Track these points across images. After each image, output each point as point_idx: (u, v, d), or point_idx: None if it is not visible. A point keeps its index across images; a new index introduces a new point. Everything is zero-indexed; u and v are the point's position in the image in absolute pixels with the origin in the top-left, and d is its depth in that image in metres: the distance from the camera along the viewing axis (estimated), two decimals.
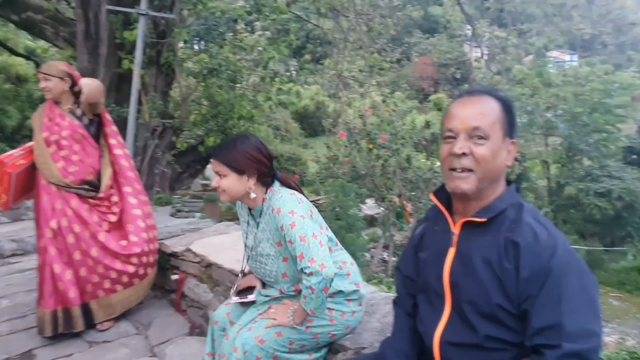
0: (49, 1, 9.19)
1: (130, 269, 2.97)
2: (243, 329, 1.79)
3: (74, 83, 2.99)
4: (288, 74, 28.02)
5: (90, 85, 2.86)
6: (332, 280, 1.71)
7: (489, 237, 1.21)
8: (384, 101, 8.14)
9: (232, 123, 8.13)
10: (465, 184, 1.21)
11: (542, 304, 1.09)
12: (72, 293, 2.79)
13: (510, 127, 1.25)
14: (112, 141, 3.13)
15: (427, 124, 21.37)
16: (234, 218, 9.05)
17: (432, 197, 1.38)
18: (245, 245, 2.04)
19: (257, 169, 1.87)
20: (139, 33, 7.19)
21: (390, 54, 11.11)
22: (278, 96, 8.32)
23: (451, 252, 1.27)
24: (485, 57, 16.26)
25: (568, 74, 15.18)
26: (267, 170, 1.91)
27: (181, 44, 8.97)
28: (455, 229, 1.28)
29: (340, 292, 1.87)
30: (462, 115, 1.22)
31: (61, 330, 2.79)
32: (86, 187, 2.94)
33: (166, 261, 3.37)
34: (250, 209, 1.97)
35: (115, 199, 3.04)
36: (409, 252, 1.48)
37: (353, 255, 3.27)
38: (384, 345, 1.47)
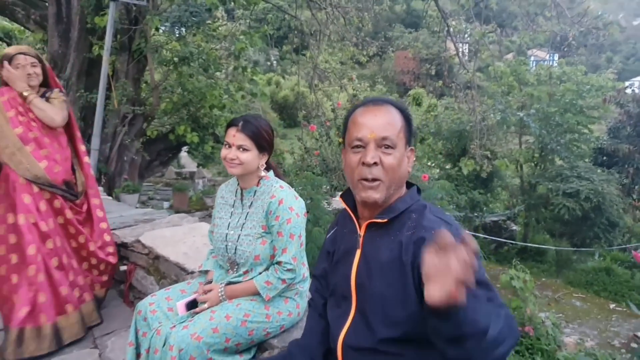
0: None
1: (105, 278, 2.95)
2: (178, 326, 1.79)
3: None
4: (269, 63, 27.87)
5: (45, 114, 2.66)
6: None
7: (392, 238, 1.23)
8: (354, 95, 8.17)
9: (204, 112, 8.10)
10: (376, 193, 1.23)
11: None
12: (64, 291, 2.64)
13: (410, 136, 1.30)
14: (82, 147, 2.97)
15: None
16: (202, 208, 9.07)
17: (340, 199, 1.43)
18: (216, 226, 2.06)
19: (270, 150, 1.99)
20: (109, 19, 7.10)
21: (368, 48, 11.13)
22: (249, 86, 8.27)
23: (357, 254, 1.30)
24: (466, 53, 16.40)
25: (542, 74, 15.37)
26: (271, 153, 2.02)
27: (161, 30, 8.87)
28: (361, 231, 1.32)
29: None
30: (371, 124, 1.24)
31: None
32: (65, 189, 2.76)
33: (117, 251, 3.37)
34: (242, 190, 2.02)
35: (85, 207, 2.90)
36: (322, 255, 1.52)
37: (318, 249, 3.30)
38: (292, 344, 1.52)
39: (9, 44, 12.87)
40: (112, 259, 2.96)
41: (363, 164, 1.23)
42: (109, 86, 7.57)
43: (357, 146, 1.26)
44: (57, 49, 8.13)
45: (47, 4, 8.30)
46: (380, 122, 1.24)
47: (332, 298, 1.40)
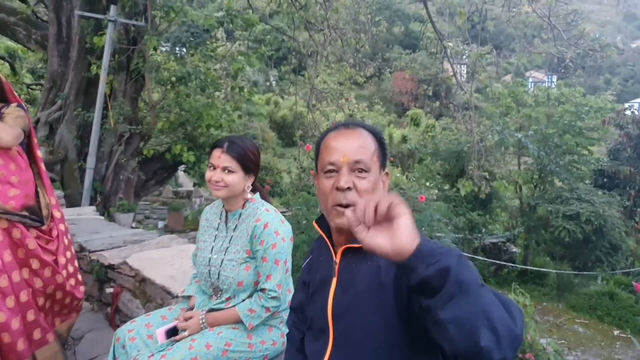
0: (25, 3, 9.11)
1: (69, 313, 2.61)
2: (156, 354, 1.74)
3: None
4: (268, 83, 28.09)
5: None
6: None
7: (369, 263, 1.17)
8: (351, 115, 8.18)
9: (201, 131, 8.09)
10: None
11: None
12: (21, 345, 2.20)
13: (384, 159, 1.26)
14: (43, 167, 2.65)
15: (404, 139, 21.58)
16: (197, 227, 8.99)
17: (314, 224, 1.36)
18: (199, 249, 2.00)
19: (256, 172, 1.95)
20: (107, 38, 7.15)
21: (366, 69, 11.20)
22: (247, 106, 8.30)
23: (333, 283, 1.23)
24: (464, 74, 16.49)
25: (540, 95, 15.44)
26: (257, 174, 1.98)
27: (161, 50, 8.93)
28: (337, 258, 1.26)
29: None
30: (343, 148, 1.20)
31: None
32: (27, 214, 2.38)
33: (104, 273, 3.29)
34: (227, 213, 1.96)
35: (54, 233, 2.54)
36: (299, 286, 1.46)
37: None
38: None
39: (11, 64, 13.00)
40: (79, 294, 2.59)
41: (337, 189, 1.18)
42: (106, 105, 7.58)
43: (330, 170, 1.21)
44: (56, 69, 8.18)
45: (48, 24, 8.38)
46: (352, 145, 1.20)
47: (310, 331, 1.32)
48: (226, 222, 1.97)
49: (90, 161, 7.26)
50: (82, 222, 4.51)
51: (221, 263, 1.88)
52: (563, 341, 6.90)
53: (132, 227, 6.40)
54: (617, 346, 6.96)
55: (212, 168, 1.88)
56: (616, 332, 7.57)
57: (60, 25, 8.21)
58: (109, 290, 3.16)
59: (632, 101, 39.54)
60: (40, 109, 8.38)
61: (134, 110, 8.18)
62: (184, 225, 8.06)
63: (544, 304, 9.80)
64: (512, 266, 12.40)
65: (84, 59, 8.10)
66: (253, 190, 1.98)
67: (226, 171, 1.85)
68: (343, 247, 1.24)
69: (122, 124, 7.72)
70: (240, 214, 1.93)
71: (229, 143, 1.87)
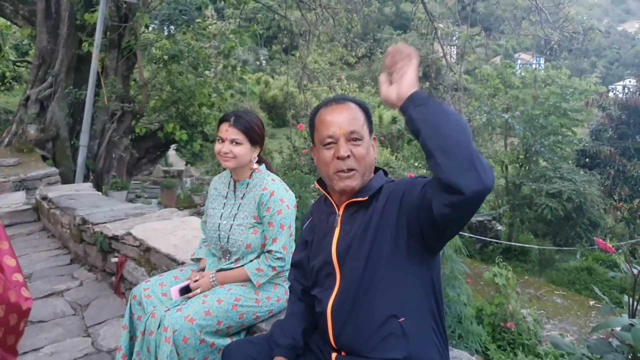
0: None
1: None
2: (172, 309, 1.87)
3: None
4: (258, 62, 27.89)
5: None
6: None
7: (370, 212, 1.36)
8: None
9: (193, 110, 8.14)
10: (353, 181, 1.36)
11: None
12: None
13: (370, 126, 1.44)
14: None
15: (394, 120, 21.71)
16: (191, 205, 9.09)
17: (316, 184, 1.54)
18: (209, 216, 2.15)
19: (261, 144, 2.08)
20: (99, 15, 7.12)
21: (357, 49, 11.25)
22: (239, 85, 8.34)
23: (336, 232, 1.41)
24: (454, 56, 16.58)
25: (528, 77, 15.63)
26: (262, 146, 2.12)
27: (150, 28, 8.91)
28: (340, 211, 1.45)
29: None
30: (338, 121, 1.36)
31: None
32: None
33: (108, 244, 3.42)
34: (235, 182, 2.10)
35: None
36: (300, 246, 1.65)
37: None
38: (274, 327, 1.62)
39: None
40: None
41: (337, 158, 1.35)
42: (98, 83, 7.58)
43: (329, 143, 1.38)
44: (45, 45, 8.13)
45: None
46: (346, 118, 1.37)
47: (317, 280, 1.49)
48: (234, 191, 2.11)
49: (83, 139, 7.30)
50: (81, 197, 4.61)
51: (230, 228, 2.03)
52: (542, 311, 7.20)
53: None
54: (592, 315, 7.30)
55: (220, 141, 2.01)
56: (592, 303, 7.92)
57: (49, 1, 8.12)
58: (114, 260, 3.29)
59: (616, 84, 40.00)
60: (30, 86, 8.34)
61: (125, 89, 8.19)
62: (177, 203, 8.16)
63: (526, 277, 10.14)
64: (498, 243, 12.74)
65: (75, 35, 8.05)
66: (259, 162, 2.12)
67: (234, 143, 1.98)
68: (346, 202, 1.42)
69: (115, 102, 7.74)
70: (248, 184, 2.08)
71: (235, 117, 2.01)
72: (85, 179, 7.55)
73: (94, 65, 7.21)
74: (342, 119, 1.37)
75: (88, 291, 3.35)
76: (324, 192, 1.50)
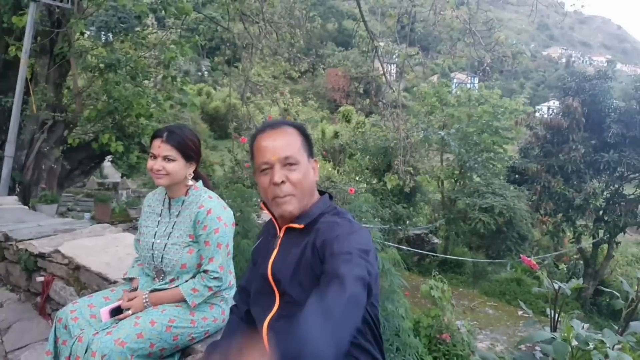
0: None
1: None
2: (101, 332, 1.78)
3: None
4: (199, 73, 27.47)
5: None
6: None
7: (306, 238, 1.37)
8: (286, 110, 8.33)
9: (130, 120, 7.87)
10: (290, 206, 1.38)
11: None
12: None
13: (310, 149, 1.46)
14: None
15: (336, 134, 22.04)
16: (126, 219, 8.75)
17: (262, 206, 1.54)
18: (142, 234, 2.07)
19: (197, 159, 2.03)
20: (29, 19, 6.77)
21: (300, 64, 11.36)
22: (179, 96, 8.16)
23: (274, 253, 1.44)
24: (393, 74, 17.09)
25: (463, 96, 16.41)
26: (199, 162, 2.06)
27: (86, 35, 8.53)
28: (280, 233, 1.47)
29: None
30: (272, 147, 1.38)
31: None
32: None
33: (33, 262, 3.22)
34: (169, 199, 2.04)
35: None
36: (250, 266, 1.65)
37: (246, 261, 3.34)
38: (210, 347, 1.61)
39: None
40: None
41: (273, 184, 1.37)
42: (26, 90, 7.17)
43: (265, 169, 1.39)
44: None
45: None
46: (280, 143, 1.39)
47: (256, 298, 1.50)
48: (169, 208, 2.06)
49: (9, 149, 6.86)
50: (4, 212, 4.33)
51: (164, 247, 1.97)
52: (475, 322, 7.52)
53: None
54: (520, 325, 7.70)
55: (152, 157, 1.96)
56: (520, 313, 8.35)
57: None
58: (40, 279, 3.11)
59: (542, 104, 42.79)
60: None
61: (57, 97, 7.79)
62: (112, 217, 7.82)
63: (461, 289, 10.54)
64: (434, 256, 13.17)
65: (1, 39, 7.60)
66: (195, 178, 2.08)
67: (167, 160, 1.93)
68: (285, 226, 1.44)
69: (45, 110, 7.34)
70: (184, 201, 2.03)
71: (168, 133, 1.96)
72: (11, 191, 7.07)
73: (22, 71, 6.82)
74: (276, 145, 1.38)
75: (9, 313, 3.14)
76: (269, 213, 1.51)
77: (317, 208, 1.43)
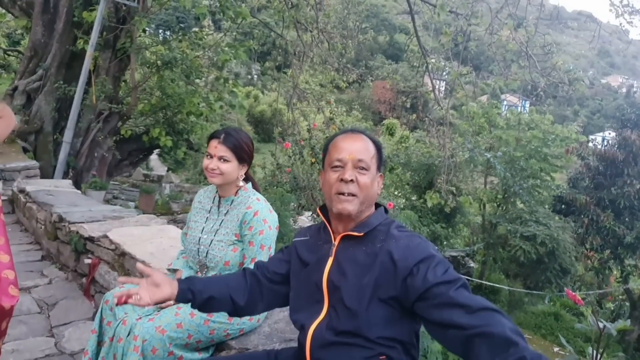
0: None
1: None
2: (144, 318, 1.86)
3: None
4: (249, 77, 28.04)
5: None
6: None
7: (364, 248, 1.40)
8: (331, 119, 8.39)
9: (181, 117, 8.14)
10: (351, 205, 1.40)
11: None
12: None
13: (380, 164, 1.51)
14: None
15: None
16: (168, 212, 9.00)
17: (318, 211, 1.58)
18: (190, 228, 2.15)
19: (249, 162, 2.10)
20: (98, 15, 7.14)
21: (348, 74, 11.42)
22: (229, 97, 8.39)
23: (329, 261, 1.45)
24: (442, 90, 16.89)
25: (512, 119, 16.02)
26: (250, 165, 2.15)
27: (146, 32, 8.94)
28: (335, 242, 1.49)
29: None
30: (350, 148, 1.44)
31: None
32: None
33: (82, 245, 3.38)
34: (220, 198, 2.11)
35: None
36: (285, 254, 1.64)
37: None
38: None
39: None
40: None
41: (341, 180, 1.41)
42: (88, 81, 7.55)
43: (337, 166, 1.44)
44: (39, 38, 8.08)
45: None
46: (357, 147, 1.45)
47: (303, 302, 1.52)
48: (218, 207, 2.13)
49: (67, 135, 7.23)
50: (59, 194, 4.55)
51: (210, 243, 2.04)
52: None
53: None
54: None
55: (209, 157, 2.03)
56: (556, 349, 8.02)
57: None
58: (87, 261, 3.25)
59: (596, 134, 41.21)
60: (19, 77, 8.26)
61: (115, 89, 8.16)
62: (155, 208, 8.07)
63: None
64: (469, 280, 12.83)
65: (70, 32, 8.03)
66: (246, 180, 2.15)
67: (222, 160, 2.01)
68: (343, 234, 1.46)
69: (103, 101, 7.70)
70: (233, 201, 2.10)
71: (225, 134, 2.03)
72: (65, 175, 7.45)
73: (87, 63, 7.19)
74: (353, 147, 1.44)
75: (57, 290, 3.30)
76: (324, 219, 1.54)
77: (375, 218, 1.47)
